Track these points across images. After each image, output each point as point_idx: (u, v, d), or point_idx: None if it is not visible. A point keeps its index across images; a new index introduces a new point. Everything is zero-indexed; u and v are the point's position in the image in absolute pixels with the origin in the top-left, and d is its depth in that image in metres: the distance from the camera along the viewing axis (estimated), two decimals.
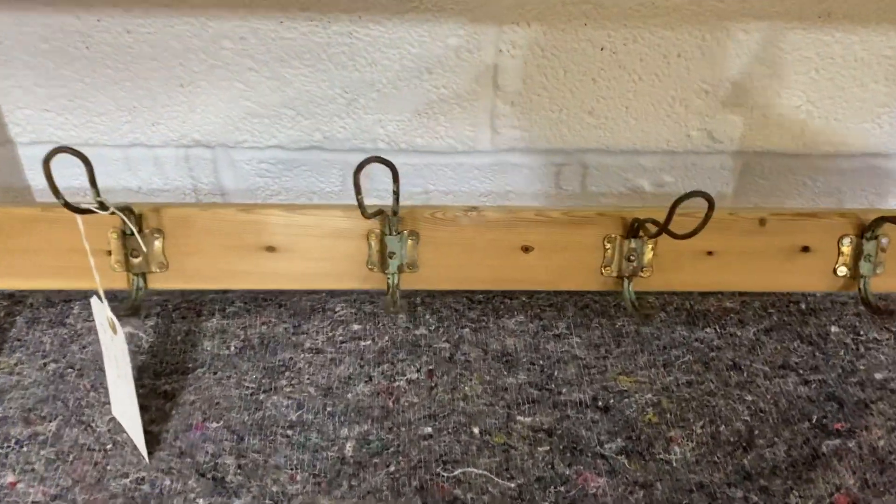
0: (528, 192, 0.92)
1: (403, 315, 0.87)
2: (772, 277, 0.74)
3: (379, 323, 0.89)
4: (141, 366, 0.84)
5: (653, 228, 0.68)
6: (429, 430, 0.78)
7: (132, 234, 0.71)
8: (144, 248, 0.71)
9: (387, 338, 0.88)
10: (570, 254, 0.73)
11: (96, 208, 0.62)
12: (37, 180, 0.89)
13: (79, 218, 0.62)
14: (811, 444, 0.78)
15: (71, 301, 0.91)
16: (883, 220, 0.69)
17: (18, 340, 0.87)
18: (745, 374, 0.85)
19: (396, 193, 0.65)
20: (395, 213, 0.67)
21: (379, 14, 0.77)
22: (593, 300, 0.92)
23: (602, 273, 0.73)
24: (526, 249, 0.73)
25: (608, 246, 0.72)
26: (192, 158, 0.88)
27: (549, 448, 0.77)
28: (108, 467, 0.75)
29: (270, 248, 0.74)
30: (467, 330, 0.89)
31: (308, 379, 0.83)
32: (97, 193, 0.62)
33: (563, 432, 0.78)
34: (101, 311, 0.70)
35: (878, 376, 0.85)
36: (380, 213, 0.67)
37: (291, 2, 0.76)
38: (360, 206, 0.64)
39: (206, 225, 0.72)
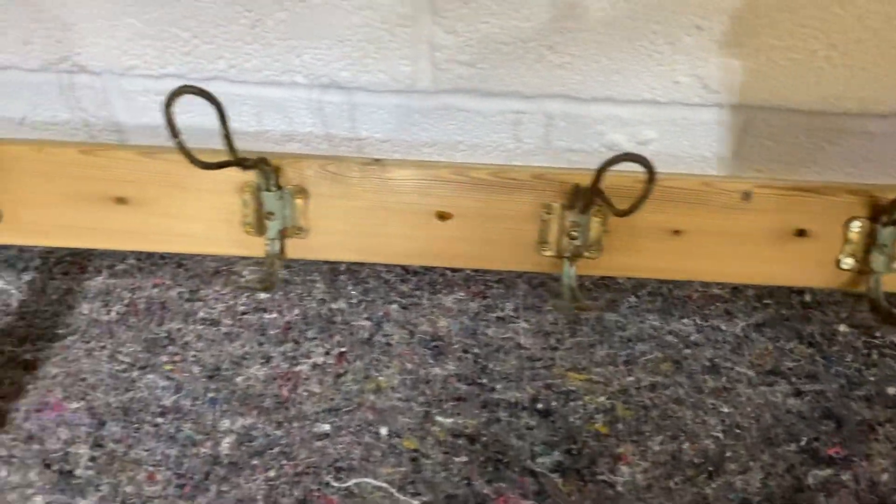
0: (482, 145, 0.77)
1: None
2: (754, 267, 0.58)
3: (290, 293, 0.75)
4: (4, 329, 0.72)
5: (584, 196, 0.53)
6: (326, 427, 0.65)
7: None
8: None
9: (297, 311, 0.74)
10: (498, 225, 0.57)
11: None
12: None
13: None
14: (795, 472, 0.63)
15: None
16: None
17: None
18: (723, 379, 0.69)
19: (227, 137, 0.50)
20: (239, 163, 0.51)
21: None
22: (551, 277, 0.77)
23: (539, 251, 0.58)
24: (442, 217, 0.58)
25: (546, 217, 0.55)
26: (77, 87, 0.74)
27: (467, 459, 0.63)
28: None
29: (120, 200, 0.60)
30: (395, 306, 0.75)
31: (194, 356, 0.70)
32: None
33: (489, 440, 0.64)
34: None
35: (891, 391, 0.69)
36: (230, 163, 0.52)
37: None
38: (185, 152, 0.49)
39: (41, 168, 0.58)
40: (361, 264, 0.78)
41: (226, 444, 0.64)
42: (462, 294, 0.76)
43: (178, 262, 0.77)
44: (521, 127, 0.76)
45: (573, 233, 0.55)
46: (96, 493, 0.61)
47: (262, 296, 0.75)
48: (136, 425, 0.65)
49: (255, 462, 0.62)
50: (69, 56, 0.72)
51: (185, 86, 0.47)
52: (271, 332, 0.72)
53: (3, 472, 0.62)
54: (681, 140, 0.76)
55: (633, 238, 0.57)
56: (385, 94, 0.73)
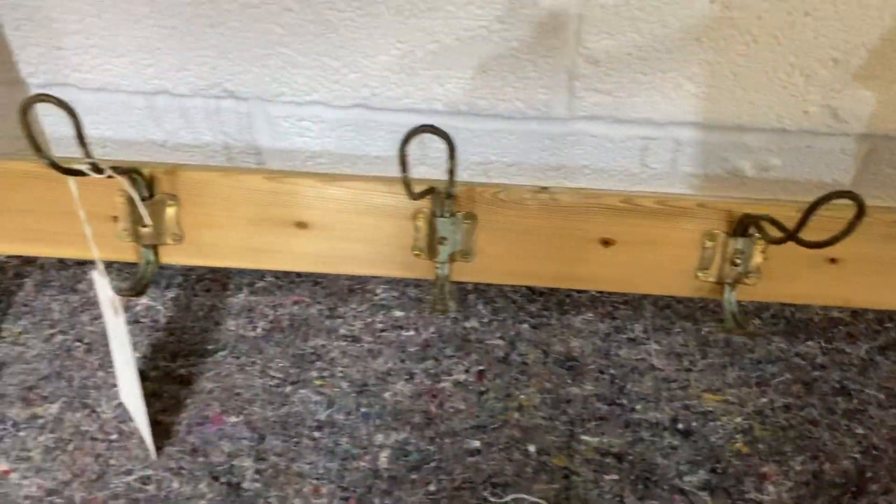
0: (607, 169, 0.79)
1: (452, 314, 0.75)
2: None
3: (424, 310, 0.78)
4: (156, 344, 0.75)
5: (769, 228, 0.55)
6: (476, 444, 0.68)
7: (141, 199, 0.60)
8: (145, 219, 0.60)
9: (432, 329, 0.76)
10: (659, 251, 0.60)
11: (89, 170, 0.51)
12: (54, 127, 0.80)
13: (71, 180, 0.51)
14: None
15: (85, 264, 0.82)
16: None
17: (25, 306, 0.78)
18: (854, 402, 0.71)
19: (452, 172, 0.53)
20: (449, 195, 0.55)
21: None
22: (676, 300, 0.79)
23: (697, 277, 0.61)
24: (606, 243, 0.60)
25: (709, 245, 0.58)
26: (223, 111, 0.77)
27: (617, 476, 0.65)
28: (111, 461, 0.66)
29: (301, 224, 0.63)
30: (526, 326, 0.77)
31: (341, 372, 0.73)
32: (86, 153, 0.51)
33: (636, 458, 0.67)
34: (103, 288, 0.60)
35: None
36: (430, 191, 0.55)
37: None
38: (407, 186, 0.52)
39: (227, 193, 0.61)
40: (489, 284, 0.80)
41: (383, 458, 0.66)
42: (590, 315, 0.78)
43: (314, 279, 0.80)
44: (648, 152, 0.78)
45: (736, 260, 0.58)
46: None
47: (398, 313, 0.77)
48: (295, 439, 0.68)
49: (413, 476, 0.65)
50: (220, 82, 0.75)
51: (424, 125, 0.50)
52: (411, 350, 0.75)
53: (175, 484, 0.65)
54: (802, 167, 0.78)
55: (791, 265, 0.59)
56: (519, 120, 0.76)
